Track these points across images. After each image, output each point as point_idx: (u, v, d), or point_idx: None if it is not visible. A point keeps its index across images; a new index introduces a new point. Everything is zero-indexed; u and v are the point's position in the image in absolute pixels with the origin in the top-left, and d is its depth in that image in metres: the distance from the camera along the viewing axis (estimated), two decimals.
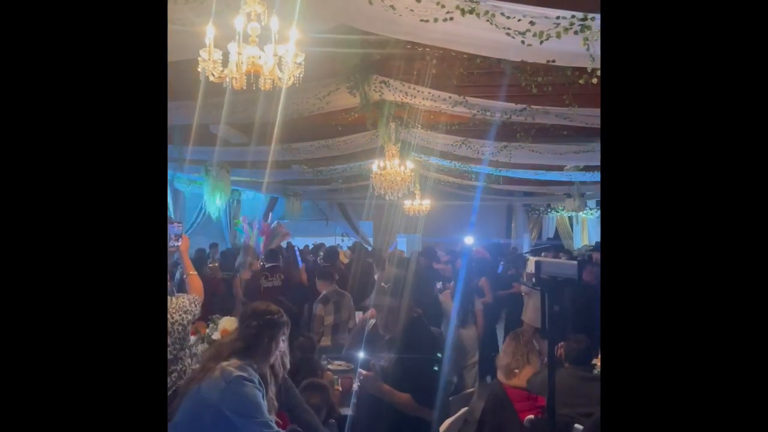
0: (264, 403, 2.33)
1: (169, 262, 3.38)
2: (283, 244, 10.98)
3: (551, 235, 15.17)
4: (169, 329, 2.91)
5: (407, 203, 10.53)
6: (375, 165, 6.94)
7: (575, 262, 2.21)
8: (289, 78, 2.46)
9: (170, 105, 5.17)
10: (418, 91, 5.16)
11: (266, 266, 7.06)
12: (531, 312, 6.39)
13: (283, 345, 2.52)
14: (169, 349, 2.89)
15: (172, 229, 3.26)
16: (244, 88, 2.51)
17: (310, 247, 12.49)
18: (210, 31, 2.39)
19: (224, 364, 2.33)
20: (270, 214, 13.65)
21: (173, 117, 5.62)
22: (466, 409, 3.88)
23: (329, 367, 4.27)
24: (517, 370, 3.63)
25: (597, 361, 4.68)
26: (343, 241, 15.51)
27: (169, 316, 2.92)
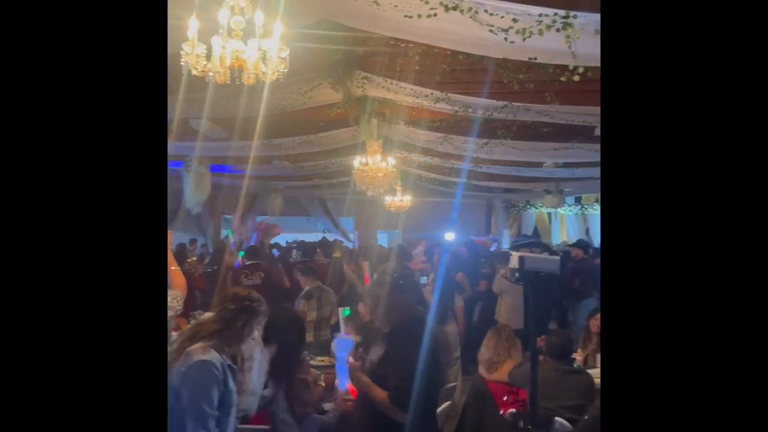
0: (217, 392, 2.34)
1: None
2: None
3: (530, 232, 15.31)
4: None
5: (388, 199, 10.54)
6: (357, 161, 6.93)
7: (558, 258, 2.24)
8: (273, 72, 2.45)
9: None
10: (401, 87, 5.16)
11: (246, 264, 7.00)
12: (504, 312, 6.42)
13: (256, 334, 2.58)
14: None
15: None
16: (228, 82, 2.50)
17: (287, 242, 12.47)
18: (193, 25, 2.37)
19: (193, 347, 2.39)
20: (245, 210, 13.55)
21: None
22: (448, 403, 3.91)
23: (312, 363, 4.27)
24: (498, 365, 3.67)
25: (576, 355, 4.76)
26: (324, 236, 15.48)
27: None
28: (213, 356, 2.37)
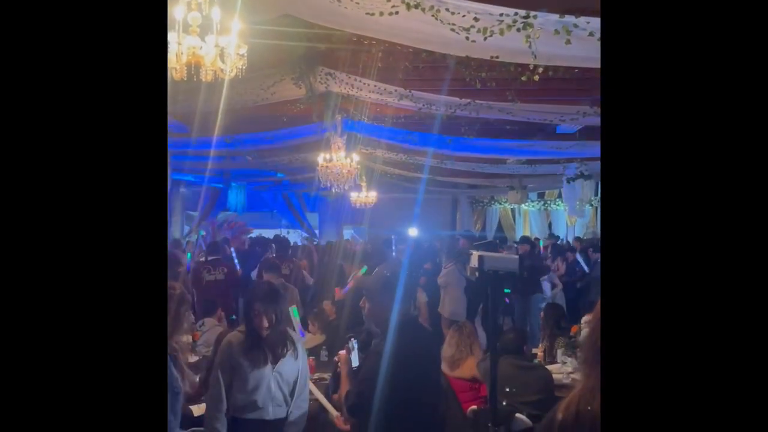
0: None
1: None
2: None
3: (495, 227, 15.50)
4: None
5: (353, 195, 10.52)
6: (321, 157, 6.89)
7: (516, 257, 2.26)
8: (232, 69, 2.41)
9: None
10: (364, 83, 5.14)
11: (208, 259, 6.90)
12: (447, 305, 6.43)
13: (185, 321, 2.60)
14: None
15: None
16: (185, 79, 2.44)
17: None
18: None
19: None
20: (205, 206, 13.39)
21: None
22: None
23: None
24: (460, 361, 3.70)
25: (537, 351, 4.83)
26: (289, 234, 15.37)
27: None
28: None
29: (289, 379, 2.93)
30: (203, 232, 11.42)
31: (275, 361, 2.86)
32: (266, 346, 2.84)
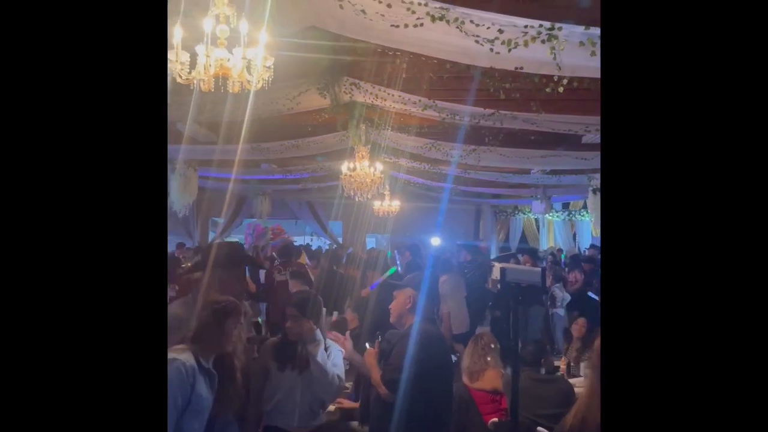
0: (179, 393, 2.26)
1: None
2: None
3: (518, 237, 15.38)
4: None
5: (376, 204, 10.54)
6: (345, 166, 6.92)
7: (539, 269, 2.25)
8: (258, 82, 2.45)
9: None
10: (389, 93, 5.17)
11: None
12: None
13: (235, 335, 2.47)
14: None
15: None
16: (212, 90, 2.49)
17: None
18: (177, 33, 2.37)
19: (175, 346, 2.37)
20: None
21: None
22: None
23: None
24: (479, 373, 3.68)
25: (560, 363, 4.78)
26: (312, 240, 15.45)
27: None
28: (184, 357, 2.33)
29: (319, 388, 2.91)
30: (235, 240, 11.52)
31: (304, 368, 2.86)
32: (297, 352, 2.86)
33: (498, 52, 3.17)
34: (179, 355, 2.31)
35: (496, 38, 3.09)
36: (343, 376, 3.02)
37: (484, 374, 3.61)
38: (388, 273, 5.09)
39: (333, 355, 2.99)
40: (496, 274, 2.32)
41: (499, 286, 2.34)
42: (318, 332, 2.98)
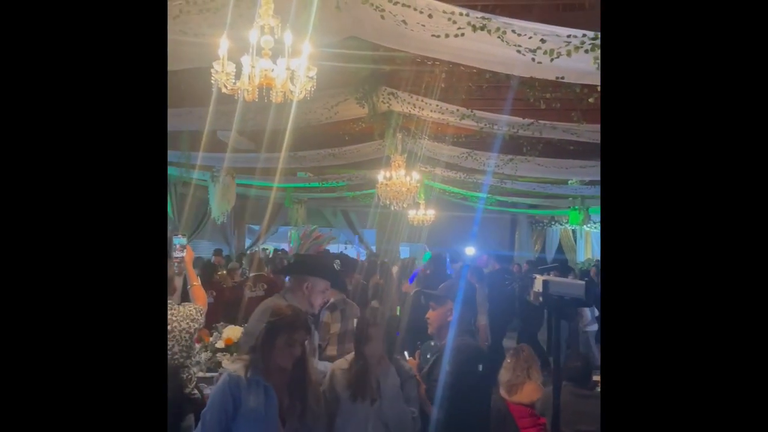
0: (229, 403, 2.24)
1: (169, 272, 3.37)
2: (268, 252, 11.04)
3: (555, 248, 15.15)
4: (177, 336, 2.93)
5: (411, 213, 10.54)
6: (381, 175, 6.94)
7: (582, 283, 2.20)
8: (301, 92, 2.48)
9: (180, 111, 5.20)
10: (426, 103, 5.18)
11: (253, 275, 6.78)
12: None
13: (297, 350, 2.34)
14: (176, 356, 2.90)
15: (177, 240, 3.29)
16: (256, 100, 2.53)
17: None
18: (224, 44, 2.41)
19: (239, 356, 2.36)
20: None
21: (182, 123, 5.66)
22: None
23: None
24: (518, 386, 3.61)
25: (597, 378, 4.67)
26: (346, 249, 15.51)
27: (176, 323, 2.93)
28: (236, 368, 2.33)
29: (390, 420, 2.61)
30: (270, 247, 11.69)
31: (377, 397, 2.58)
32: (369, 381, 2.57)
33: (540, 62, 3.14)
34: (231, 365, 2.32)
35: (538, 48, 3.07)
36: (417, 413, 2.72)
37: (522, 387, 3.55)
38: (423, 259, 5.01)
39: (408, 388, 2.71)
40: (538, 286, 2.28)
41: (540, 299, 2.30)
42: (396, 362, 2.76)
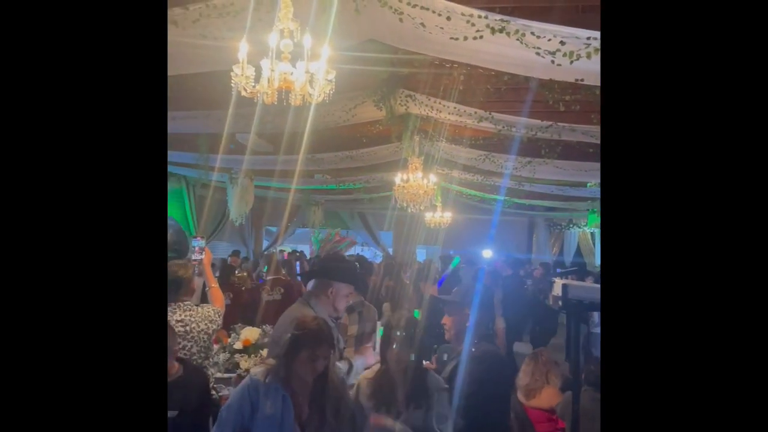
0: (246, 407, 2.24)
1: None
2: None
3: (573, 251, 15.02)
4: (195, 337, 2.96)
5: (428, 215, 10.52)
6: (398, 178, 6.94)
7: None
8: (320, 95, 2.49)
9: (198, 114, 5.26)
10: (444, 105, 5.17)
11: (267, 279, 6.83)
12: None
13: (320, 365, 2.30)
14: (194, 357, 2.93)
15: (195, 242, 3.33)
16: (275, 103, 2.55)
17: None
18: (243, 48, 2.43)
19: (264, 360, 2.36)
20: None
21: (201, 125, 5.71)
22: None
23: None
24: (536, 391, 3.59)
25: None
26: (362, 250, 15.53)
27: (195, 324, 2.96)
28: (258, 373, 2.33)
29: None
30: (286, 248, 11.75)
31: (402, 410, 2.43)
32: (398, 389, 2.43)
33: (559, 64, 3.12)
34: (255, 369, 2.35)
35: (558, 50, 3.05)
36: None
37: (541, 392, 3.52)
38: (452, 264, 5.00)
39: (439, 403, 2.52)
40: (557, 290, 2.26)
41: (560, 303, 2.28)
42: (426, 373, 2.61)
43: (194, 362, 2.93)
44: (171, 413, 2.34)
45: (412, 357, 2.50)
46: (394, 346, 2.50)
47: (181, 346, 2.86)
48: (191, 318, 2.96)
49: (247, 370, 3.62)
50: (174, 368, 2.52)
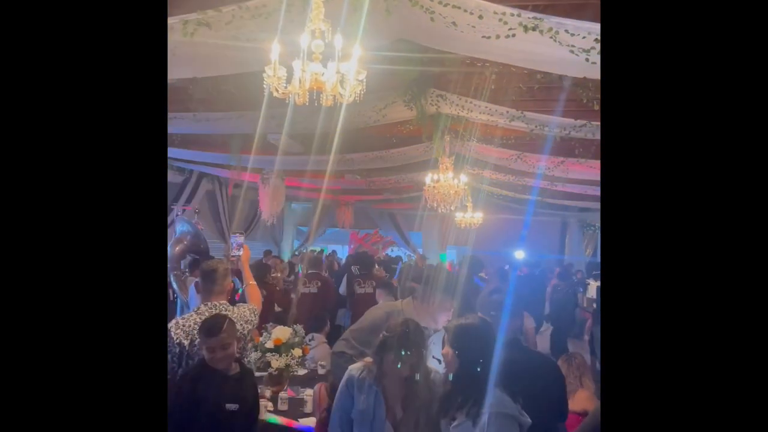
0: (348, 400, 2.43)
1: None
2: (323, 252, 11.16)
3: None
4: None
5: (459, 216, 10.45)
6: (428, 178, 6.91)
7: None
8: (351, 95, 2.49)
9: (230, 115, 5.32)
10: (475, 105, 5.12)
11: (308, 272, 7.09)
12: None
13: (405, 370, 2.39)
14: None
15: (234, 239, 3.38)
16: (306, 103, 2.56)
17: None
18: (275, 49, 2.44)
19: (365, 359, 2.55)
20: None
21: (234, 126, 5.78)
22: None
23: None
24: (569, 394, 3.53)
25: None
26: (392, 250, 15.53)
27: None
28: (355, 368, 2.50)
29: None
30: (316, 248, 11.83)
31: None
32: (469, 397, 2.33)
33: (594, 62, 3.05)
34: (355, 365, 2.52)
35: (592, 48, 2.98)
36: None
37: (574, 395, 3.46)
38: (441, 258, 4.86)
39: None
40: (592, 292, 2.22)
41: (594, 305, 2.24)
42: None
43: None
44: (232, 406, 2.58)
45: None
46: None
47: None
48: None
49: (278, 370, 3.66)
50: (234, 368, 2.73)
